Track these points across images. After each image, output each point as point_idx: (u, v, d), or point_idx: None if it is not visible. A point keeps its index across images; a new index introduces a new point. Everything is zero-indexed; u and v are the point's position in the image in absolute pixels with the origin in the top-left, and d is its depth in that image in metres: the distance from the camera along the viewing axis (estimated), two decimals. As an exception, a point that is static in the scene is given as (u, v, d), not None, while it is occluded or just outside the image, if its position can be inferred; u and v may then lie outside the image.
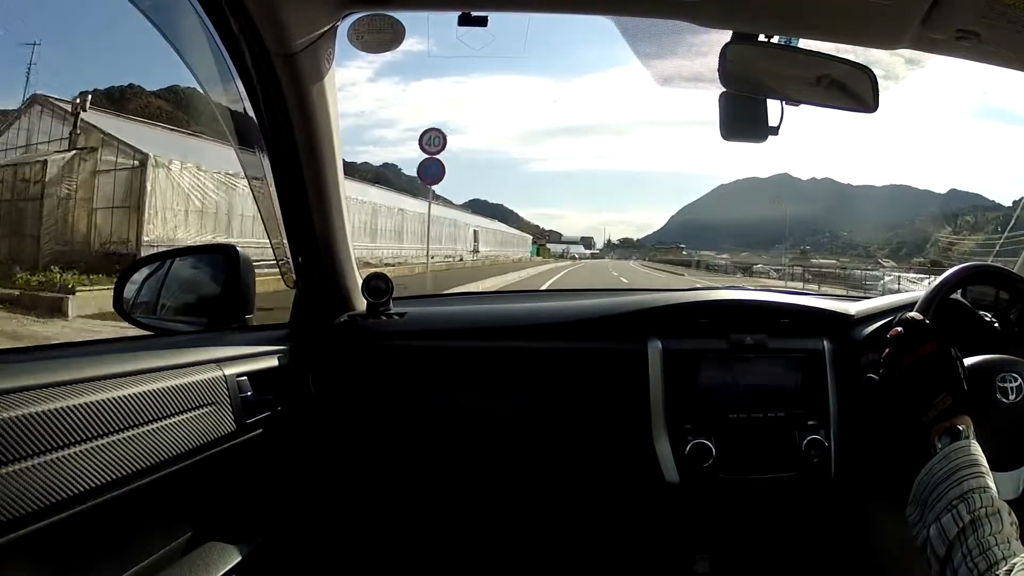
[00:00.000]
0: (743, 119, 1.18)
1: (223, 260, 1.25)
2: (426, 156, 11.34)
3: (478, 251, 30.07)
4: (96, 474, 0.74)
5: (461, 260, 25.13)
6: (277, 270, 1.37)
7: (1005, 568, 0.71)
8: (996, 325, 1.21)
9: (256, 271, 1.27)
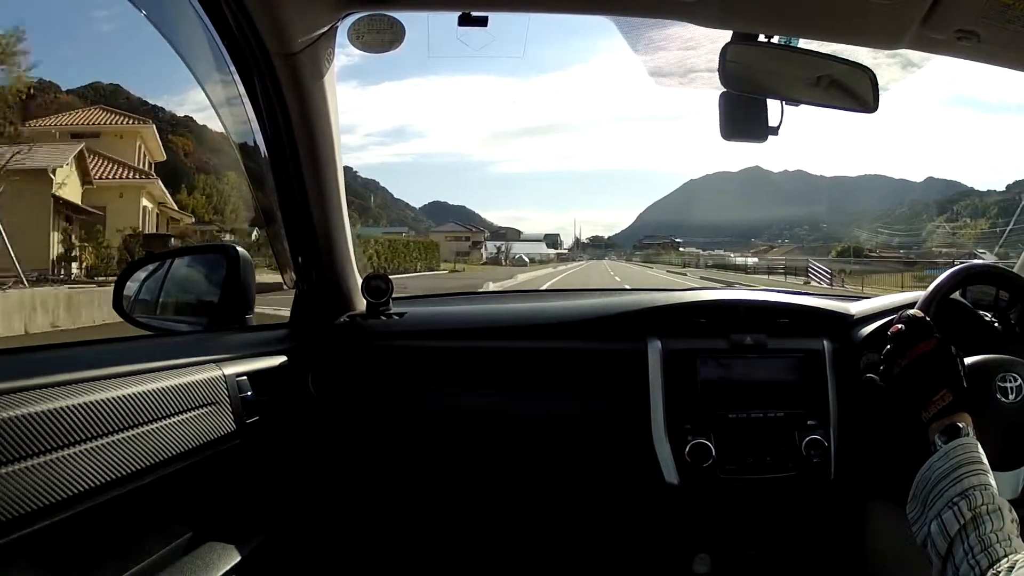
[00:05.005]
0: (743, 119, 1.18)
1: (223, 260, 1.25)
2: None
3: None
4: (96, 474, 0.74)
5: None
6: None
7: (1007, 565, 0.71)
8: (996, 325, 1.21)
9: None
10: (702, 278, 28.88)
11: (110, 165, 17.33)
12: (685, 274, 36.70)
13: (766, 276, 34.60)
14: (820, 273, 30.33)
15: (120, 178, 17.25)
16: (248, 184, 1.30)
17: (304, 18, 1.05)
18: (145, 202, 17.73)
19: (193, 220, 22.85)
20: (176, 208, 21.42)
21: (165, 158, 23.00)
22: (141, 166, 18.76)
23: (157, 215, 18.95)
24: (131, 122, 20.19)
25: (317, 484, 1.33)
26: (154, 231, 17.78)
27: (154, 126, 21.17)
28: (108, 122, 19.57)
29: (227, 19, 1.02)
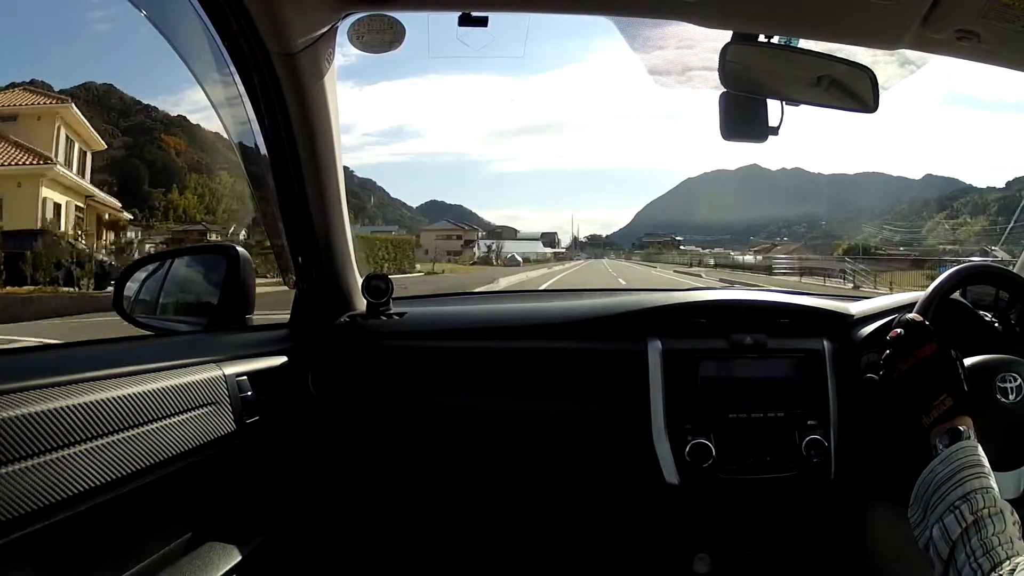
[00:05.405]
0: (743, 119, 1.18)
1: (223, 260, 1.25)
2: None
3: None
4: (96, 474, 0.74)
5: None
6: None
7: (1008, 568, 0.71)
8: (996, 325, 1.21)
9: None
10: (722, 280, 23.16)
11: (11, 150, 14.58)
12: (700, 275, 30.18)
13: (798, 278, 27.00)
14: (862, 274, 24.53)
15: (16, 164, 14.45)
16: (248, 184, 1.30)
17: (304, 18, 1.05)
18: (48, 192, 14.75)
19: (131, 217, 20.37)
20: (116, 205, 18.73)
21: (104, 147, 20.62)
22: (64, 154, 15.93)
23: (77, 209, 16.09)
24: (50, 102, 16.92)
25: (317, 484, 1.33)
26: (73, 227, 14.93)
27: (73, 106, 17.54)
28: (26, 103, 16.41)
29: (227, 19, 1.02)
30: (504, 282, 18.61)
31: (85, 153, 17.65)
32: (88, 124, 18.32)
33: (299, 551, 1.24)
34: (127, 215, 20.07)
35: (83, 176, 17.30)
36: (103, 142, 20.23)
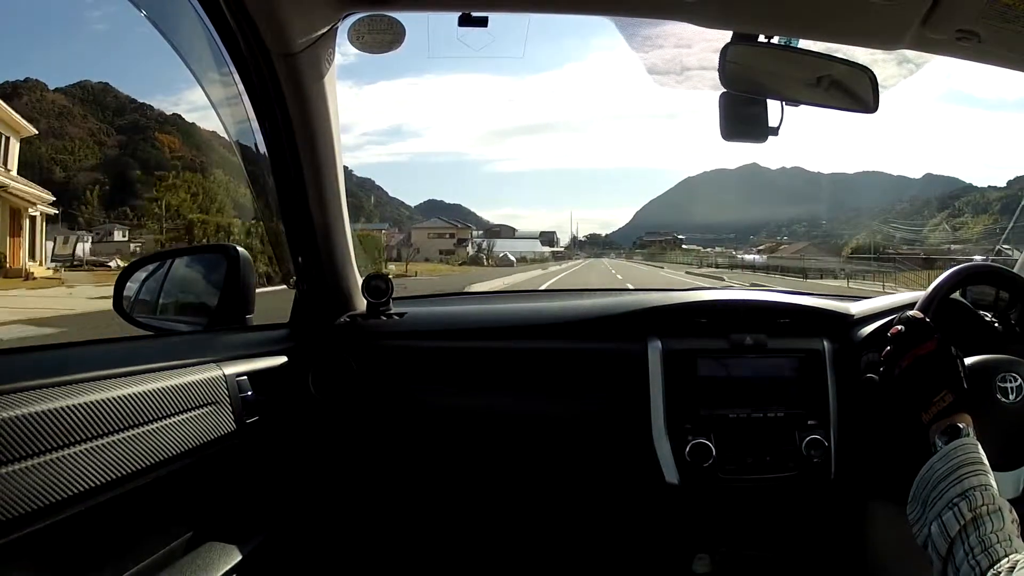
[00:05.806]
0: (743, 120, 1.18)
1: (223, 260, 1.25)
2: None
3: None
4: (96, 474, 0.74)
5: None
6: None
7: (1007, 565, 0.71)
8: (996, 325, 1.21)
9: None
10: (754, 284, 17.48)
11: None
12: (723, 278, 25.77)
13: (844, 283, 23.20)
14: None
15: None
16: (247, 184, 1.30)
17: (304, 18, 1.05)
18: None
19: (55, 212, 18.02)
20: (43, 198, 16.40)
21: (36, 132, 19.05)
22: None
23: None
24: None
25: (317, 484, 1.33)
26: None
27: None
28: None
29: (227, 19, 1.02)
30: (478, 287, 14.62)
31: (7, 139, 15.68)
32: (7, 107, 16.38)
33: (299, 551, 1.24)
34: (51, 209, 17.81)
35: (3, 165, 15.24)
36: (31, 128, 18.15)
